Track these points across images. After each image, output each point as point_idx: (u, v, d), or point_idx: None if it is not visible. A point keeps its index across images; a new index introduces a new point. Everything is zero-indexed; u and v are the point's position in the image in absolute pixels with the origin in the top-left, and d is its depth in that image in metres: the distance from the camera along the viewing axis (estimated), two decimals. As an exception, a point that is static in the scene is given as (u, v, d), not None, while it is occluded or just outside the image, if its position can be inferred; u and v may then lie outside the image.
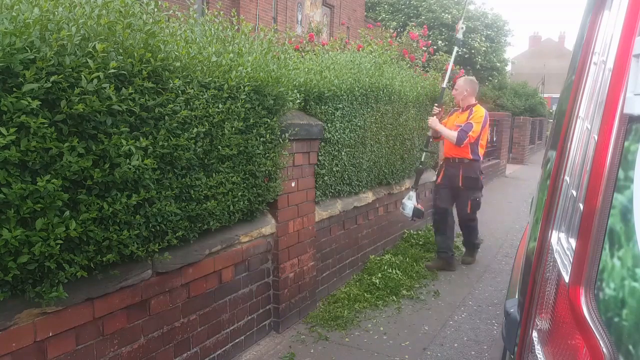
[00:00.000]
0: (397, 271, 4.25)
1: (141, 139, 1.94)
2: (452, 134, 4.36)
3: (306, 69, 3.46)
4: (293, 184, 3.24)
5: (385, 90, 4.38)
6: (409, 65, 6.44)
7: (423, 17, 19.29)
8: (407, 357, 3.00)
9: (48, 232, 1.66)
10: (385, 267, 4.33)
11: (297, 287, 3.36)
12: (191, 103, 2.23)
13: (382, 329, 3.36)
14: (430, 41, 9.70)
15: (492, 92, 18.39)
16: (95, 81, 1.71)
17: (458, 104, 4.70)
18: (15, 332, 1.68)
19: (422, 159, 4.71)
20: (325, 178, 3.67)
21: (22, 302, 1.70)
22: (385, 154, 4.57)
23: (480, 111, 4.43)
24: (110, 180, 1.86)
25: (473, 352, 3.08)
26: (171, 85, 2.11)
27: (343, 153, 3.84)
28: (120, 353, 2.10)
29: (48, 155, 1.64)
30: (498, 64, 20.95)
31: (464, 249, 5.07)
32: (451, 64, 4.66)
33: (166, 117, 2.09)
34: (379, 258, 4.55)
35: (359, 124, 4.00)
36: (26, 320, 1.71)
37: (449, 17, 18.99)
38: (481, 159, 4.60)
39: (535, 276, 1.15)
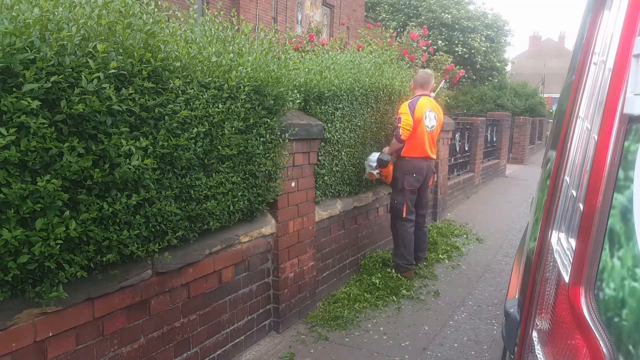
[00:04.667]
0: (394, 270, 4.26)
1: (141, 139, 1.94)
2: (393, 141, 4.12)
3: (306, 69, 3.46)
4: (293, 184, 3.24)
5: (385, 90, 4.38)
6: (408, 65, 6.45)
7: (423, 17, 19.27)
8: (407, 357, 3.00)
9: (48, 232, 1.66)
10: (381, 265, 4.35)
11: (297, 287, 3.36)
12: (191, 103, 2.23)
13: (382, 328, 3.36)
14: (430, 41, 9.71)
15: (492, 92, 18.37)
16: (95, 81, 1.71)
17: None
18: (15, 332, 1.68)
19: None
20: (325, 178, 3.67)
21: (22, 302, 1.70)
22: (385, 154, 4.57)
23: (402, 105, 4.12)
24: (110, 180, 1.86)
25: (473, 352, 3.08)
26: (171, 85, 2.11)
27: (343, 153, 3.84)
28: (120, 353, 2.10)
29: (48, 155, 1.64)
30: (498, 64, 20.93)
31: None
32: None
33: (166, 117, 2.09)
34: (374, 254, 4.56)
35: (359, 124, 4.00)
36: (26, 320, 1.71)
37: (449, 17, 18.98)
38: (411, 156, 4.12)
39: (535, 276, 1.15)
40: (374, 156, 4.10)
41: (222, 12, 3.11)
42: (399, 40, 8.37)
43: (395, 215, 4.25)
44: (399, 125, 4.00)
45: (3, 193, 1.51)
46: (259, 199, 2.88)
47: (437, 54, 9.67)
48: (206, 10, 2.97)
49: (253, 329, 3.02)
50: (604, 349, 0.74)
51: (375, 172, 4.09)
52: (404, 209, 4.15)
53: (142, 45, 1.99)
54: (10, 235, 1.53)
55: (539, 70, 40.09)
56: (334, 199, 3.90)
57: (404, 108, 4.06)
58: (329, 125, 3.56)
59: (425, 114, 4.10)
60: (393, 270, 4.25)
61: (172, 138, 2.13)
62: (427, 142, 4.15)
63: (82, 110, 1.68)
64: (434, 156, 4.31)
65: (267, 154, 2.85)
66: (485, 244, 5.60)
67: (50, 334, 1.80)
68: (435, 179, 6.07)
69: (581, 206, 0.88)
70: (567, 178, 1.07)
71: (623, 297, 0.73)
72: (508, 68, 23.95)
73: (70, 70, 1.68)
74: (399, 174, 4.17)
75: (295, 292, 3.34)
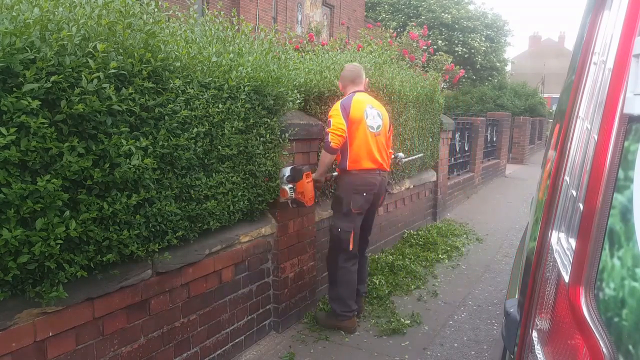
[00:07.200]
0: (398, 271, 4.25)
1: (141, 138, 1.94)
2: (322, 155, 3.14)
3: (306, 69, 3.46)
4: (293, 184, 3.23)
5: (385, 90, 4.38)
6: (408, 65, 6.45)
7: (423, 17, 19.29)
8: (407, 357, 3.00)
9: (48, 232, 1.66)
10: (388, 271, 4.33)
11: (297, 286, 3.36)
12: (191, 103, 2.23)
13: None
14: (430, 41, 9.71)
15: (492, 92, 18.37)
16: (95, 81, 1.72)
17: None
18: (15, 332, 1.68)
19: None
20: (325, 178, 3.66)
21: (22, 302, 1.70)
22: (385, 154, 4.56)
23: (335, 105, 3.15)
24: (110, 180, 1.86)
25: (473, 352, 3.08)
26: (171, 85, 2.11)
27: (343, 153, 3.84)
28: (120, 353, 2.10)
29: (48, 155, 1.64)
30: (498, 64, 20.95)
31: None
32: None
33: (166, 117, 2.09)
34: (376, 256, 4.56)
35: (359, 124, 3.99)
36: (26, 320, 1.71)
37: (449, 17, 18.99)
38: (359, 169, 3.11)
39: (535, 276, 1.15)
40: (287, 169, 3.00)
41: (222, 12, 3.11)
42: (399, 40, 8.37)
43: (337, 247, 3.21)
44: (328, 130, 3.03)
45: (3, 193, 1.51)
46: (259, 199, 2.88)
47: (437, 54, 9.68)
48: (206, 10, 2.97)
49: (253, 329, 3.02)
50: (604, 349, 0.74)
51: (287, 187, 2.95)
52: (350, 240, 3.15)
53: (142, 45, 1.99)
54: (11, 235, 1.53)
55: (538, 70, 40.08)
56: (334, 199, 3.89)
57: (335, 109, 3.09)
58: (329, 125, 3.55)
59: (365, 111, 3.12)
60: (321, 320, 3.32)
61: (172, 138, 2.13)
62: (374, 148, 3.15)
63: (82, 110, 1.68)
64: (387, 167, 3.29)
65: (267, 154, 2.85)
66: (485, 244, 5.60)
67: (50, 334, 1.80)
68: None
69: (581, 206, 0.88)
70: (567, 178, 1.07)
71: (623, 297, 0.73)
72: (508, 68, 23.97)
73: (71, 70, 1.69)
74: (344, 193, 3.15)
75: (295, 292, 3.34)
